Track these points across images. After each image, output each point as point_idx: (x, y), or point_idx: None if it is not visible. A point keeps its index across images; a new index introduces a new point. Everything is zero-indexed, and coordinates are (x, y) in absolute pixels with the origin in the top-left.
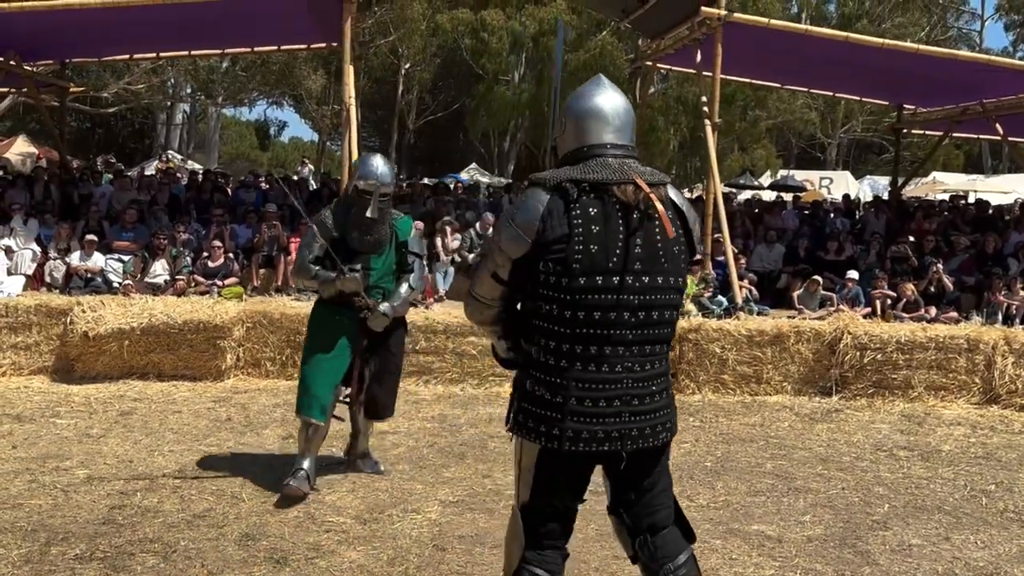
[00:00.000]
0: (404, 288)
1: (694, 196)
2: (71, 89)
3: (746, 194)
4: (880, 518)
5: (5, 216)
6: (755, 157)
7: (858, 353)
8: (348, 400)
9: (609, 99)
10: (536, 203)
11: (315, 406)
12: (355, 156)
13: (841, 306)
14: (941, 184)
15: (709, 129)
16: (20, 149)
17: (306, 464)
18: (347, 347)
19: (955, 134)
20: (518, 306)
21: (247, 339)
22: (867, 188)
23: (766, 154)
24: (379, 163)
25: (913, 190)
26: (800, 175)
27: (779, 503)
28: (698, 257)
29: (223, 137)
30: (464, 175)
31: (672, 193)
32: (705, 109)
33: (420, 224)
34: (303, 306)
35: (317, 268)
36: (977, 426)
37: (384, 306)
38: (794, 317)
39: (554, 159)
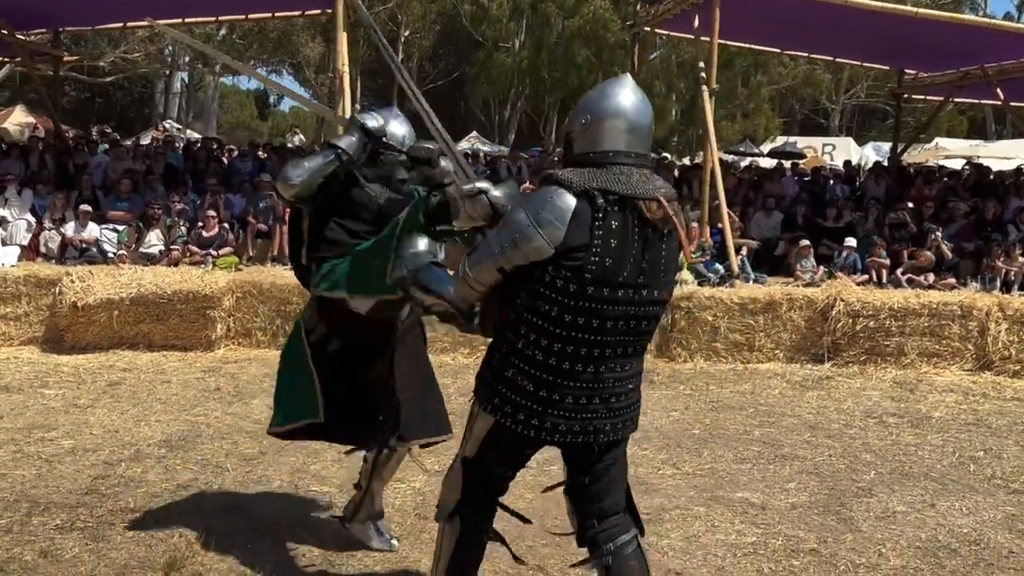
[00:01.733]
0: None
1: (692, 164)
2: (65, 58)
3: (745, 161)
4: (865, 485)
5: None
6: (756, 124)
7: (851, 320)
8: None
9: (637, 105)
10: (563, 208)
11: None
12: None
13: (837, 273)
14: (944, 150)
15: (706, 95)
16: (18, 119)
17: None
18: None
19: (956, 99)
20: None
21: (237, 309)
22: (871, 154)
23: (767, 121)
24: (402, 121)
25: (916, 155)
26: (803, 141)
27: (765, 470)
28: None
29: (223, 106)
30: (465, 144)
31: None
32: (703, 75)
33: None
34: (293, 276)
35: None
36: (969, 393)
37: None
38: (790, 284)
39: (568, 152)
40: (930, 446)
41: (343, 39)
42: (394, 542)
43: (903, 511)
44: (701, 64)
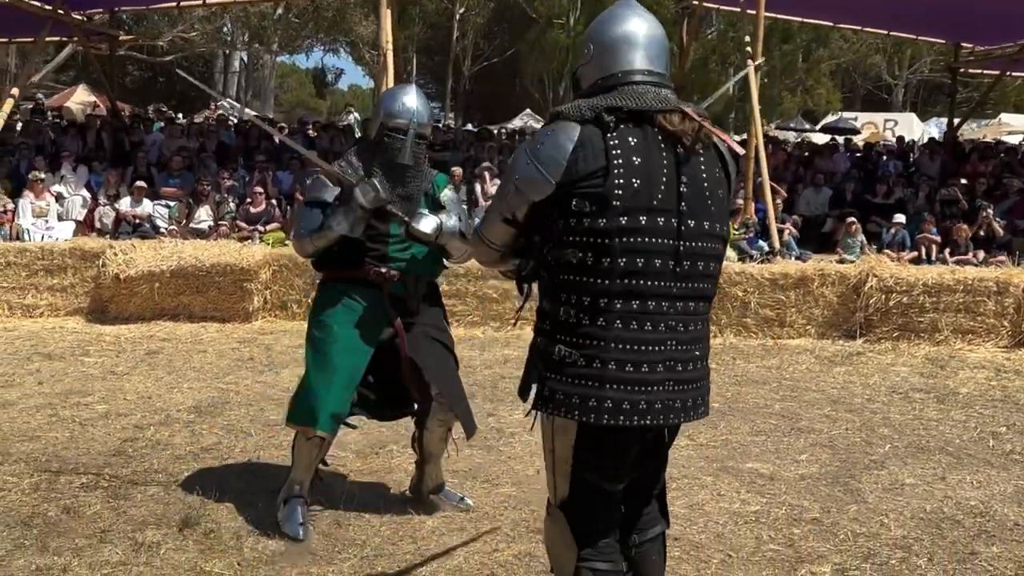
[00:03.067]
0: (453, 219)
1: (740, 140)
2: (121, 38)
3: (793, 136)
4: (878, 458)
5: (57, 163)
6: (817, 98)
7: (883, 296)
8: (415, 415)
9: (641, 23)
10: (564, 138)
11: (324, 414)
12: None
13: (885, 250)
14: (1007, 126)
15: (752, 69)
16: (80, 98)
17: (301, 491)
18: (372, 337)
19: (1015, 73)
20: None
21: (273, 282)
22: (933, 130)
23: (828, 95)
24: (413, 96)
25: (979, 131)
26: (864, 117)
27: (779, 443)
28: (737, 206)
29: (283, 86)
30: (518, 121)
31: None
32: (748, 49)
33: (458, 171)
34: None
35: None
36: (1002, 369)
37: (425, 211)
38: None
39: (576, 92)
40: (952, 421)
41: (387, 16)
42: (468, 501)
43: (912, 483)
44: (747, 38)
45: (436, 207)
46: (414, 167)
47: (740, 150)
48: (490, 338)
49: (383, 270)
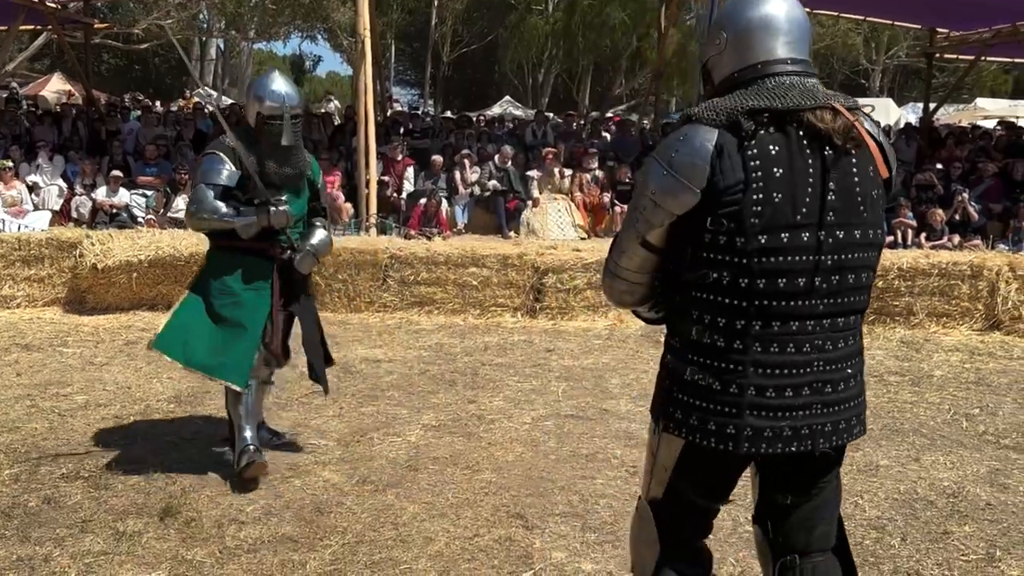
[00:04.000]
0: (322, 231)
1: None
2: (96, 25)
3: None
4: (854, 440)
5: (32, 152)
6: None
7: None
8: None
9: (781, 3)
10: (701, 141)
11: (238, 371)
12: (370, 90)
13: None
14: (983, 111)
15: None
16: (56, 87)
17: (248, 434)
18: (261, 300)
19: (989, 58)
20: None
21: None
22: (909, 115)
23: None
24: (281, 81)
25: (955, 116)
26: None
27: None
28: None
29: (261, 73)
30: (497, 108)
31: (868, 124)
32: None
33: (438, 159)
34: None
35: (225, 206)
36: (976, 352)
37: (311, 244)
38: None
39: (709, 86)
40: (926, 403)
41: (364, 2)
42: (286, 435)
43: (886, 465)
44: None
45: (313, 191)
46: (295, 147)
47: (883, 167)
48: (471, 325)
49: (277, 248)
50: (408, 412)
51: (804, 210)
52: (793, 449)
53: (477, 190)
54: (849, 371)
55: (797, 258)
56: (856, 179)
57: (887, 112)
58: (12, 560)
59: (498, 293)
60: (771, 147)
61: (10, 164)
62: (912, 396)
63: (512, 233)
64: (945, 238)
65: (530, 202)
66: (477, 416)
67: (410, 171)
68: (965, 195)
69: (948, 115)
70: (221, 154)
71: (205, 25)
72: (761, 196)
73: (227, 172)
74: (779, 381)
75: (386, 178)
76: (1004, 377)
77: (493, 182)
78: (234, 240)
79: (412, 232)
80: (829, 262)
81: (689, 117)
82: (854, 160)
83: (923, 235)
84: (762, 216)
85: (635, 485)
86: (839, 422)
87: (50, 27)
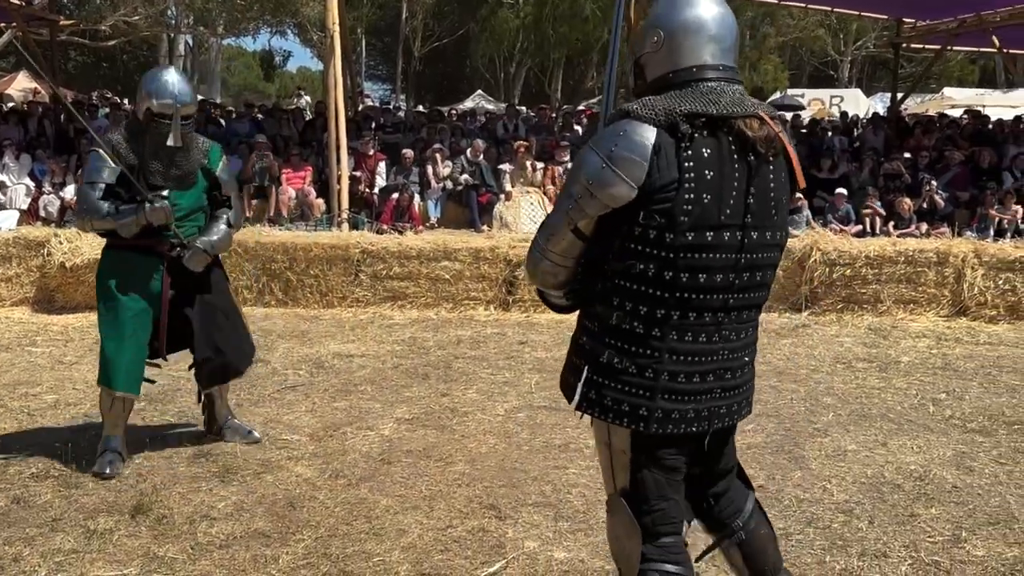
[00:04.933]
0: (222, 224)
1: None
2: (62, 23)
3: None
4: (822, 426)
5: None
6: (763, 76)
7: (827, 269)
8: (193, 368)
9: (712, 5)
10: (641, 141)
11: (121, 375)
12: (339, 85)
13: (832, 224)
14: (950, 100)
15: None
16: (21, 85)
17: (116, 444)
18: (152, 299)
19: (956, 47)
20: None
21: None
22: (878, 105)
23: (774, 71)
24: (174, 78)
25: (923, 106)
26: (811, 94)
27: None
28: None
29: (230, 69)
30: (469, 102)
31: (786, 133)
32: None
33: (409, 153)
34: (280, 234)
35: (108, 204)
36: (942, 338)
37: (202, 240)
38: None
39: (640, 81)
40: (894, 389)
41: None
42: (256, 433)
43: (854, 450)
44: None
45: (212, 181)
46: (184, 148)
47: (800, 177)
48: (443, 319)
49: (166, 245)
50: (381, 406)
51: (728, 211)
52: (694, 429)
53: (449, 184)
54: (746, 359)
55: (719, 256)
56: (772, 184)
57: (856, 102)
58: None
59: (471, 287)
60: (704, 150)
61: None
62: (880, 382)
63: (485, 227)
64: (913, 226)
65: (502, 196)
66: (450, 409)
67: (382, 166)
68: (933, 183)
69: (916, 105)
70: (101, 151)
71: (173, 21)
72: (692, 196)
73: (108, 170)
74: (690, 368)
75: (358, 173)
76: (970, 362)
77: (465, 176)
78: (119, 238)
79: (384, 227)
80: (743, 260)
81: (627, 112)
82: (771, 167)
83: (891, 224)
84: (691, 215)
85: None
86: (732, 404)
87: (14, 24)
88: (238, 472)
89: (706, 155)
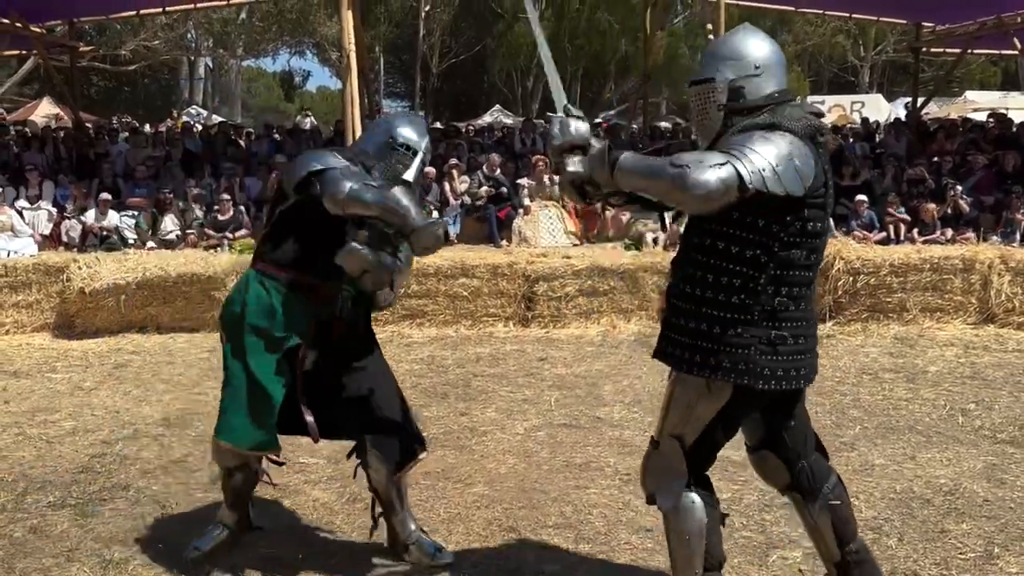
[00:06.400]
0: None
1: None
2: (81, 49)
3: None
4: (848, 440)
5: (20, 178)
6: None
7: (851, 278)
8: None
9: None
10: (807, 153)
11: (260, 433)
12: (356, 103)
13: (855, 232)
14: (972, 103)
15: None
16: (45, 111)
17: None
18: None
19: (976, 51)
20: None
21: None
22: (900, 110)
23: (796, 79)
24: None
25: (943, 109)
26: (831, 100)
27: None
28: None
29: (251, 90)
30: (488, 117)
31: None
32: (710, 37)
33: (431, 171)
34: None
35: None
36: (970, 346)
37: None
38: None
39: (737, 100)
40: (921, 400)
41: (348, 17)
42: (448, 556)
43: (882, 464)
44: (708, 26)
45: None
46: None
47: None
48: (462, 336)
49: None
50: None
51: (830, 204)
52: (802, 385)
53: (467, 199)
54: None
55: (824, 240)
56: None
57: (877, 108)
58: None
59: (489, 303)
60: (820, 153)
61: None
62: (907, 393)
63: (504, 242)
64: (938, 232)
65: (521, 210)
66: (469, 428)
67: None
68: (957, 188)
69: (938, 109)
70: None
71: (193, 44)
72: (832, 192)
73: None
74: (812, 331)
75: None
76: (1000, 371)
77: (484, 188)
78: (301, 273)
79: None
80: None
81: (777, 125)
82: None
83: (915, 230)
84: (828, 208)
85: (629, 494)
86: (815, 362)
87: (35, 52)
88: (257, 496)
89: (821, 157)
